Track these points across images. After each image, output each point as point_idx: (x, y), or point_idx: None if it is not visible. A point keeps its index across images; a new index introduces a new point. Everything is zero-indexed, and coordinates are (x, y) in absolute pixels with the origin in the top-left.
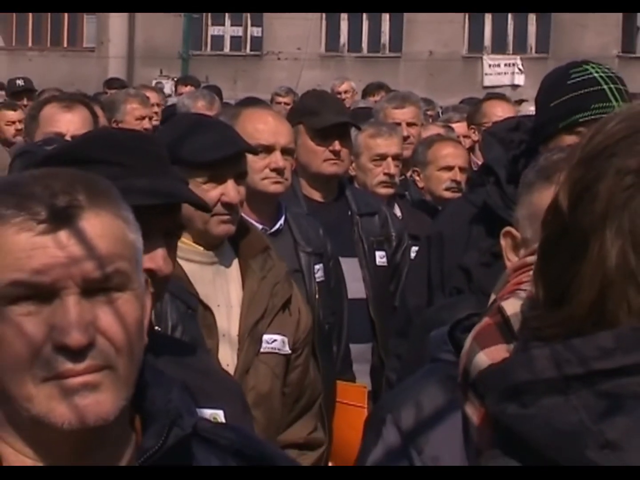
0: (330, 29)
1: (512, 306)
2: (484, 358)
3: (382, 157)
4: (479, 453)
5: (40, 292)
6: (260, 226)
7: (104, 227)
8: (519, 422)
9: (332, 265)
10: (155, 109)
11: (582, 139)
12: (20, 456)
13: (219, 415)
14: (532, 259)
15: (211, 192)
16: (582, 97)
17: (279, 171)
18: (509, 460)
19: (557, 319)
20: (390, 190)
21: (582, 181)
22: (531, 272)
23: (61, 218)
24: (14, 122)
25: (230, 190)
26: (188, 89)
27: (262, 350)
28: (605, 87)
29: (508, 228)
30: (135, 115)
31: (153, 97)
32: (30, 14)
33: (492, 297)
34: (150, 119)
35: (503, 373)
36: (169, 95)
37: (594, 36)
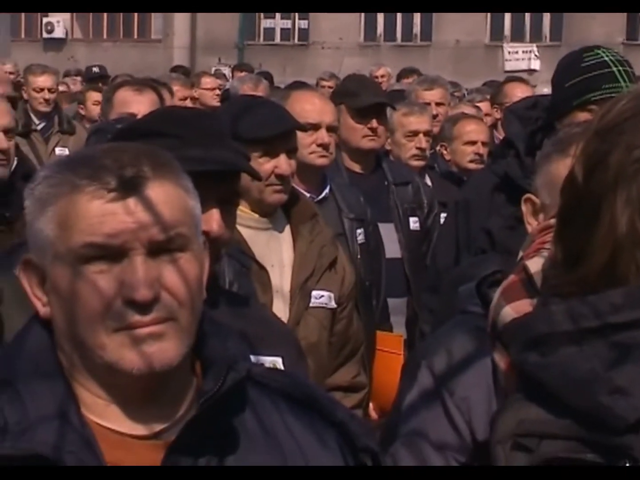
0: (368, 21)
1: (535, 264)
2: (510, 311)
3: (415, 133)
4: (506, 395)
5: (111, 253)
6: (308, 195)
7: (167, 195)
8: (538, 370)
9: (372, 230)
10: (217, 92)
11: (595, 116)
12: (95, 398)
13: (278, 362)
14: (555, 221)
15: (266, 165)
16: (594, 78)
17: (324, 146)
18: (529, 404)
19: (573, 278)
20: (421, 163)
21: (595, 155)
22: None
23: (129, 187)
24: (99, 103)
25: (283, 163)
26: (243, 75)
27: (311, 304)
28: (614, 69)
29: (528, 195)
30: (178, 96)
31: (212, 82)
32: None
33: (520, 254)
34: (192, 99)
35: (525, 326)
36: (227, 80)
37: (601, 25)
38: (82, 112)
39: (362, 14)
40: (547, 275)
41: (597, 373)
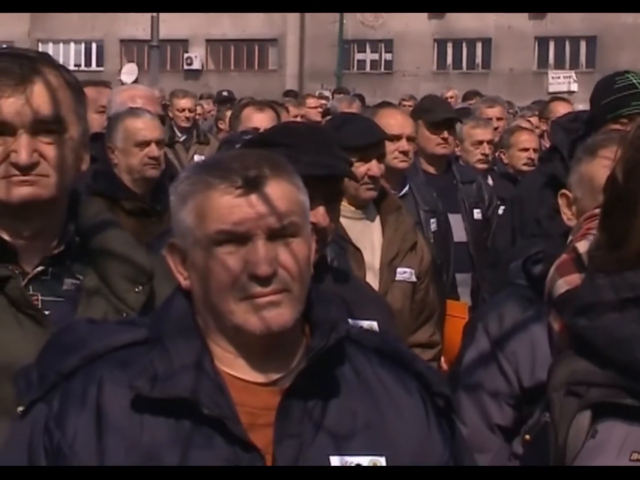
0: (440, 53)
1: (583, 246)
2: (563, 284)
3: (480, 142)
4: (559, 352)
5: (238, 237)
6: (392, 192)
7: (282, 191)
8: (587, 332)
9: (443, 219)
10: (319, 109)
11: (631, 129)
12: (225, 352)
13: (374, 325)
14: (598, 210)
15: (360, 168)
16: (625, 97)
17: (405, 153)
18: (579, 359)
19: (615, 258)
20: (485, 166)
21: (632, 160)
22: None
23: (252, 185)
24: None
25: (374, 166)
26: (341, 96)
27: (396, 278)
28: None
29: (563, 190)
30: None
31: (315, 101)
32: (233, 48)
33: (570, 238)
34: (301, 116)
35: (576, 296)
36: (328, 101)
37: (628, 55)
38: (221, 126)
39: (435, 49)
40: (593, 255)
41: (635, 334)
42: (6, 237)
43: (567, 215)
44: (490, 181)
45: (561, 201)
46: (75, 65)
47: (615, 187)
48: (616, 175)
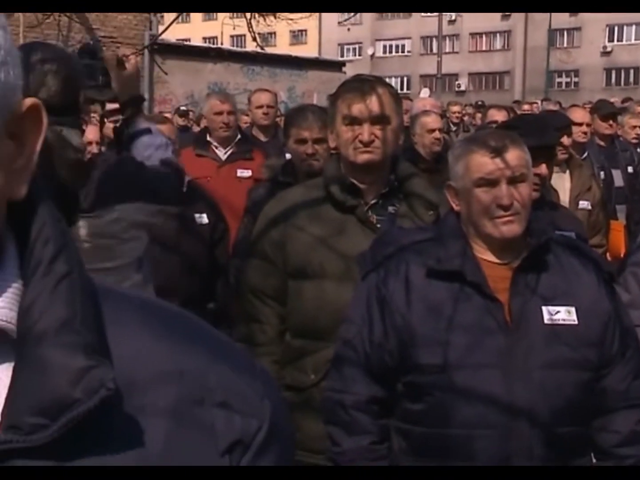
0: (607, 77)
1: None
2: None
3: (635, 127)
4: None
5: (489, 182)
6: (577, 156)
7: (516, 154)
8: None
9: (608, 172)
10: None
11: None
12: (480, 247)
13: (572, 234)
14: None
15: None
16: None
17: (584, 133)
18: None
19: None
20: (637, 140)
21: None
22: None
23: (498, 151)
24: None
25: (565, 140)
26: (546, 102)
27: (579, 208)
28: None
29: None
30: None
31: (528, 107)
32: (484, 78)
33: None
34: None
35: None
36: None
37: None
38: (473, 121)
39: (604, 74)
40: None
41: None
42: (356, 183)
43: None
44: (638, 149)
45: None
46: None
47: None
48: None
